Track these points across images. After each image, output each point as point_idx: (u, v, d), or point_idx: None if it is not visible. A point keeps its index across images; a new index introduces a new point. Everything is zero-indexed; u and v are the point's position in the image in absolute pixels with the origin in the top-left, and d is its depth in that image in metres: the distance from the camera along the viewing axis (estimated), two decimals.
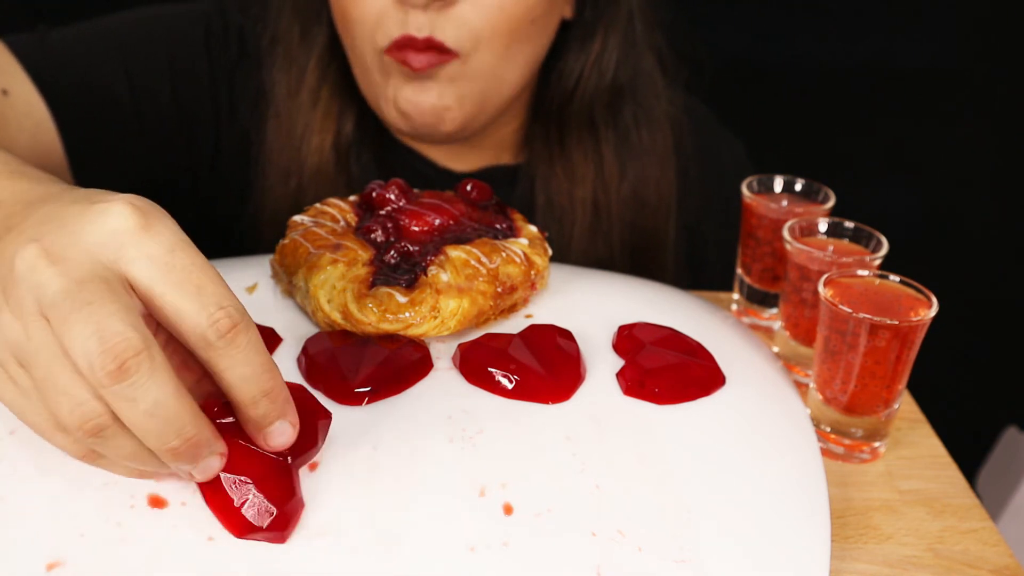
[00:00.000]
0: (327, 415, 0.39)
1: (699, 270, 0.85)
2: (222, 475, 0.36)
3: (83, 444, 0.36)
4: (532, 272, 0.50)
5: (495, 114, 0.72)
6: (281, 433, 0.37)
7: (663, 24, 0.78)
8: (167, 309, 0.34)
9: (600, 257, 0.77)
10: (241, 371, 0.35)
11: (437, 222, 0.52)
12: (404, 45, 0.64)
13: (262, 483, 0.36)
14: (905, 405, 0.57)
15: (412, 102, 0.67)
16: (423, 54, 0.64)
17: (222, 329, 0.34)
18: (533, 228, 0.54)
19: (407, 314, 0.46)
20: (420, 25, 0.64)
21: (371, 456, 0.40)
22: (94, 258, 0.34)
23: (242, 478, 0.36)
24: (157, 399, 0.33)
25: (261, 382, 0.36)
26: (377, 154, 0.77)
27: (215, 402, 0.37)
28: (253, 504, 0.36)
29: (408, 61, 0.65)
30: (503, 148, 0.80)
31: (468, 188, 0.56)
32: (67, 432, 0.35)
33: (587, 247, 0.77)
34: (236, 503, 0.36)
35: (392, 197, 0.54)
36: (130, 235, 0.34)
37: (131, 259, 0.34)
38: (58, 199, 0.37)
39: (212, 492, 0.36)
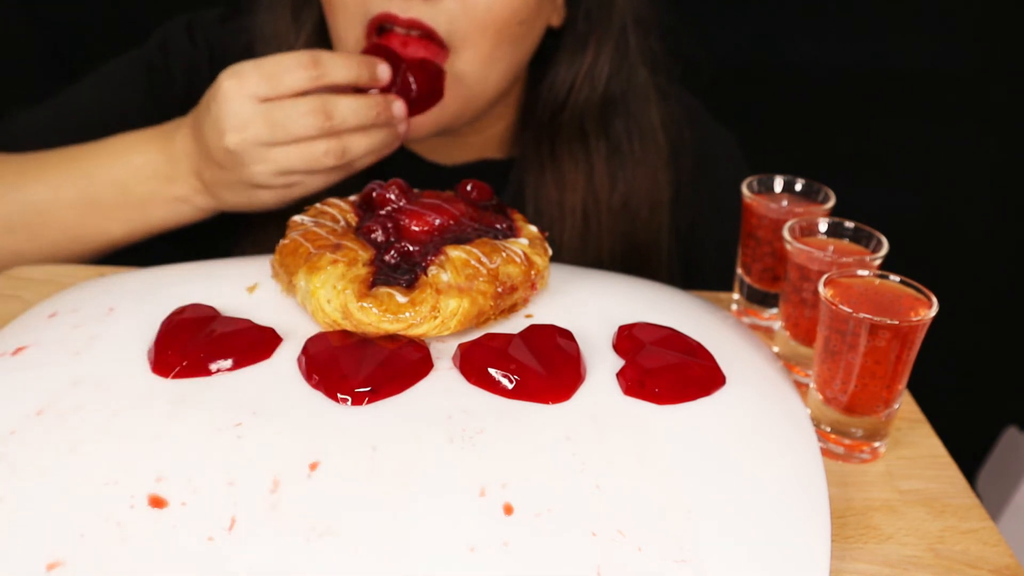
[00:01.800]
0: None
1: (694, 273, 0.85)
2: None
3: (330, 138, 0.61)
4: (532, 272, 0.50)
5: (478, 113, 0.72)
6: (399, 108, 0.64)
7: (661, 25, 0.77)
8: (288, 91, 0.60)
9: (590, 265, 0.77)
10: (343, 73, 0.61)
11: (437, 222, 0.52)
12: (385, 20, 0.65)
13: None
14: (905, 405, 0.57)
15: None
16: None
17: (308, 65, 0.59)
18: (533, 228, 0.54)
19: (407, 314, 0.46)
20: (405, 8, 0.64)
21: (371, 456, 0.40)
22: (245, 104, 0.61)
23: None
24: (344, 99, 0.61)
25: (360, 74, 0.62)
26: None
27: None
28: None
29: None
30: (490, 144, 0.80)
31: (468, 188, 0.56)
32: (315, 141, 0.60)
33: (577, 255, 0.77)
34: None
35: (392, 197, 0.54)
36: (230, 88, 0.61)
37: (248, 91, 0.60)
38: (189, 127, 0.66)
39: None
